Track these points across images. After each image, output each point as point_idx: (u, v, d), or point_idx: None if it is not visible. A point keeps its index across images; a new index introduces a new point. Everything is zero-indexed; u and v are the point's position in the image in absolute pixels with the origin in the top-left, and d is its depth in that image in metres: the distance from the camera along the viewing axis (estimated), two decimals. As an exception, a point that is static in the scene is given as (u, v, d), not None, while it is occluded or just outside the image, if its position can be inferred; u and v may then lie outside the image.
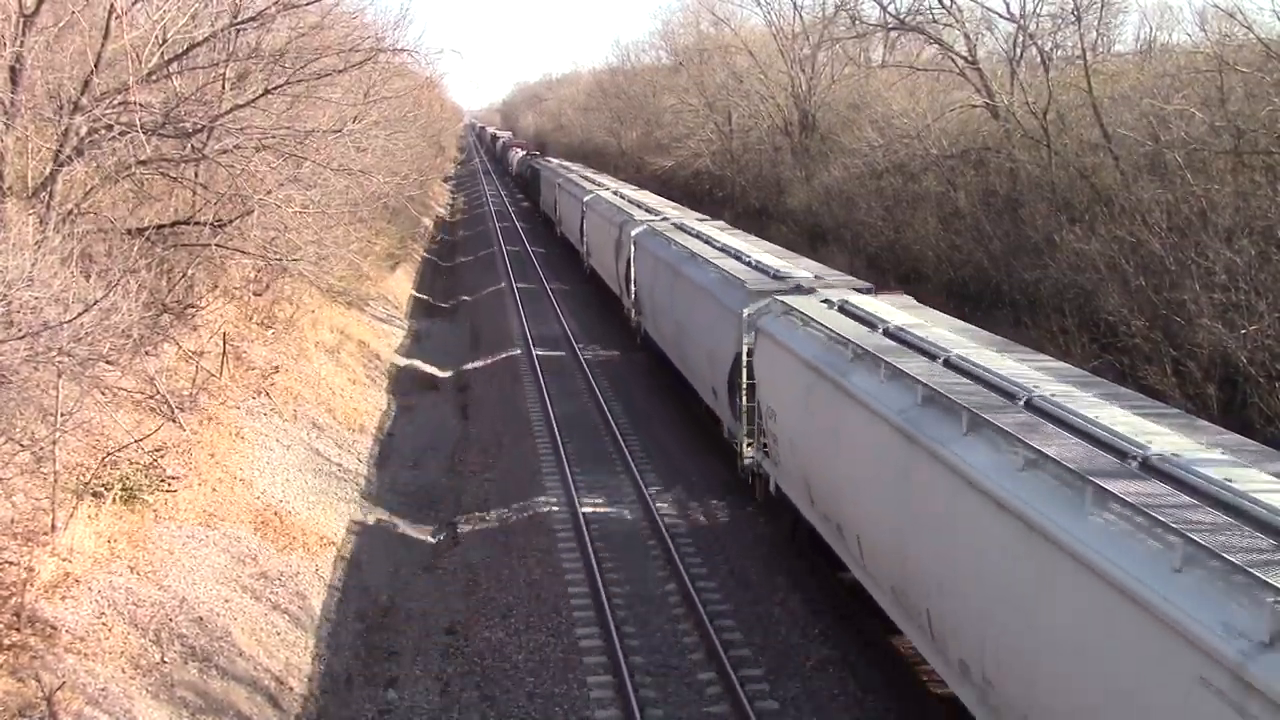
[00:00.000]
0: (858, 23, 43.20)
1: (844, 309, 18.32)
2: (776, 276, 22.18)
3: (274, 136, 21.23)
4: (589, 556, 19.79)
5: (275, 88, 21.52)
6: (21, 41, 17.26)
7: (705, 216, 36.54)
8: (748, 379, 20.79)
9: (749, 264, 24.21)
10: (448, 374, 35.42)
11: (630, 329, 35.51)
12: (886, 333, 16.31)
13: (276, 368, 26.67)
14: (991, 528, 11.11)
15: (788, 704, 15.17)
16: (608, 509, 22.44)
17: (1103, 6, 34.18)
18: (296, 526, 20.15)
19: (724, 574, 19.27)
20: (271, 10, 21.21)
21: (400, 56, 32.22)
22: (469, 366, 36.07)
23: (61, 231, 16.49)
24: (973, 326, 17.46)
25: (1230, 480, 9.63)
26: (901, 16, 38.46)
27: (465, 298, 49.00)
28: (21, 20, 17.34)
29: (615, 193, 44.39)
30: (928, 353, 14.88)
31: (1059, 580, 9.95)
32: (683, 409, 28.41)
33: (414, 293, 48.15)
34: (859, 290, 20.58)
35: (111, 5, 17.89)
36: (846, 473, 15.43)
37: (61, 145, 17.98)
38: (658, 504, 22.40)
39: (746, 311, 20.97)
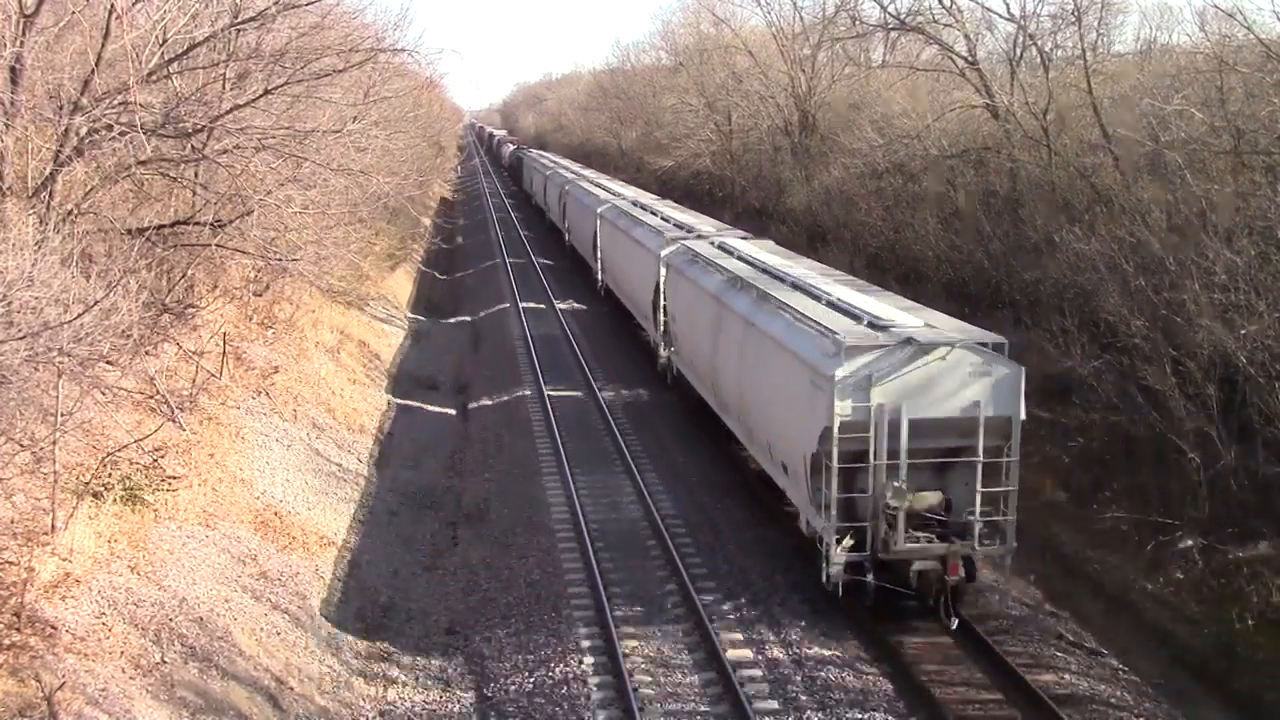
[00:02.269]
0: (858, 23, 43.09)
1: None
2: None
3: (274, 136, 21.21)
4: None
5: (275, 88, 21.49)
6: (21, 41, 17.26)
7: (620, 181, 56.63)
8: None
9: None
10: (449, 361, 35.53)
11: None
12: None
13: (276, 368, 26.67)
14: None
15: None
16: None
17: (1103, 7, 34.13)
18: (296, 526, 20.15)
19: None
20: (271, 10, 21.18)
21: (400, 56, 32.22)
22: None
23: (61, 231, 16.47)
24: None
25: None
26: (901, 17, 38.35)
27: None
28: (21, 20, 17.33)
29: (569, 169, 65.55)
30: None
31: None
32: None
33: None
34: None
35: (111, 5, 17.87)
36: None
37: (61, 145, 17.97)
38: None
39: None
